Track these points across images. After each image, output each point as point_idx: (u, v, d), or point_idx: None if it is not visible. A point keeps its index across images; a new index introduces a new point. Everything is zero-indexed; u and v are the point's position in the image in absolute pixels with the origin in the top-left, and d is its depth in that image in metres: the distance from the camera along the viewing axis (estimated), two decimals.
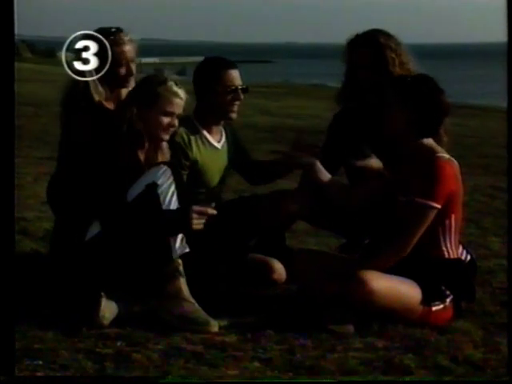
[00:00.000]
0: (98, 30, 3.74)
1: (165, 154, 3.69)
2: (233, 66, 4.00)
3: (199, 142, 3.98)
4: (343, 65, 4.11)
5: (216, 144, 4.04)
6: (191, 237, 3.51)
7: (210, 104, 3.98)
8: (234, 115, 4.00)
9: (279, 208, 3.95)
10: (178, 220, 3.45)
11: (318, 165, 3.77)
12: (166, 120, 3.62)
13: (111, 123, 3.62)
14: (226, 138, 4.10)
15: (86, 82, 3.70)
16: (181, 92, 3.66)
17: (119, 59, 3.81)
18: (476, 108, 17.79)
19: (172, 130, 3.66)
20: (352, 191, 3.76)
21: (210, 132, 4.02)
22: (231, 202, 4.18)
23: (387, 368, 3.05)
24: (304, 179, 3.96)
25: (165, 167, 3.54)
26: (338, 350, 3.19)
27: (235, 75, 3.97)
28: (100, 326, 3.34)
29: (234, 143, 4.14)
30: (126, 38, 3.86)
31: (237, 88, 3.95)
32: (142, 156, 3.63)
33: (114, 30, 3.85)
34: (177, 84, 3.66)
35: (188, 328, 3.35)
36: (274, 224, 4.04)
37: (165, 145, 3.70)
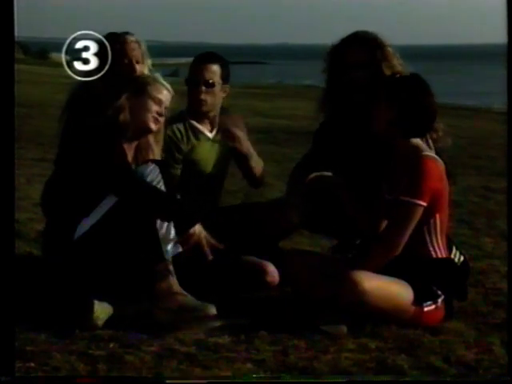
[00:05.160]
0: (107, 36, 3.81)
1: (154, 150, 3.68)
2: (207, 60, 4.01)
3: (190, 133, 4.04)
4: (325, 68, 4.02)
5: (207, 133, 4.09)
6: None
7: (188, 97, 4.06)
8: (202, 108, 4.01)
9: (280, 219, 3.94)
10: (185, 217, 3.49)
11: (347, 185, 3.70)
12: (154, 107, 3.62)
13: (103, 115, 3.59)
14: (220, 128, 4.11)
15: (93, 85, 3.69)
16: (167, 85, 3.71)
17: (121, 58, 3.87)
18: (469, 109, 17.80)
19: (160, 119, 3.66)
20: (376, 221, 3.66)
21: (200, 122, 4.07)
22: (231, 209, 4.17)
23: (380, 369, 3.06)
24: (293, 185, 3.93)
25: (153, 165, 3.53)
26: (331, 351, 3.19)
27: (203, 68, 3.98)
28: (94, 327, 3.33)
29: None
30: (131, 39, 3.94)
31: (199, 81, 3.97)
32: (130, 153, 3.62)
33: (120, 33, 3.95)
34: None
35: (190, 319, 3.36)
36: (274, 234, 4.05)
37: (153, 141, 3.69)
